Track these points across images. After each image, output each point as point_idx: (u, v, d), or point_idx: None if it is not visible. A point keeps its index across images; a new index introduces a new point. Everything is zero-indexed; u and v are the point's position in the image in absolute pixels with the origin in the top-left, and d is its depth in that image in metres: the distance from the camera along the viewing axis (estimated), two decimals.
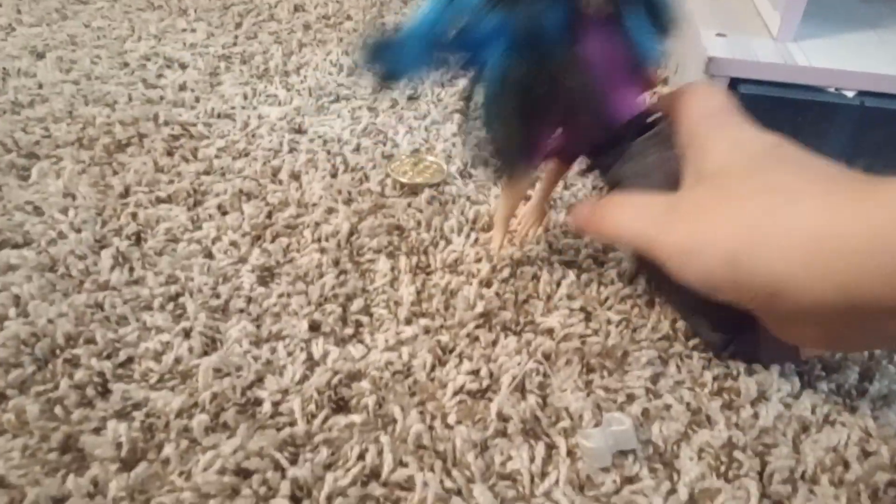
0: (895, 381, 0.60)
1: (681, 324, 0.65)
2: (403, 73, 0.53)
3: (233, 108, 0.97)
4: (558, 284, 0.69)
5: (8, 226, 0.73)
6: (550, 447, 0.54)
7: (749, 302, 0.48)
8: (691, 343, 0.63)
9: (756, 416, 0.57)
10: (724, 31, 0.88)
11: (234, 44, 1.14)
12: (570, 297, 0.68)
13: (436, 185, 0.82)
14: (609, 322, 0.65)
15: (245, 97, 1.00)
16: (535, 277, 0.70)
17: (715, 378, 0.60)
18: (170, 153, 0.88)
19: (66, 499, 0.47)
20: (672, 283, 0.53)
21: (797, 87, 0.82)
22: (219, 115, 0.96)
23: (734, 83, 0.83)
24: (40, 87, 1.01)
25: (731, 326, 0.58)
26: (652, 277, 0.65)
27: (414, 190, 0.81)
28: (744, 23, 0.92)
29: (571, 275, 0.70)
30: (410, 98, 0.99)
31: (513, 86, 0.48)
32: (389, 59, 0.51)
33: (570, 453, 0.53)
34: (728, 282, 0.45)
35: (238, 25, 1.20)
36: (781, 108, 0.83)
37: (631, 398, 0.58)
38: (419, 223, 0.77)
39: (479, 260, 0.72)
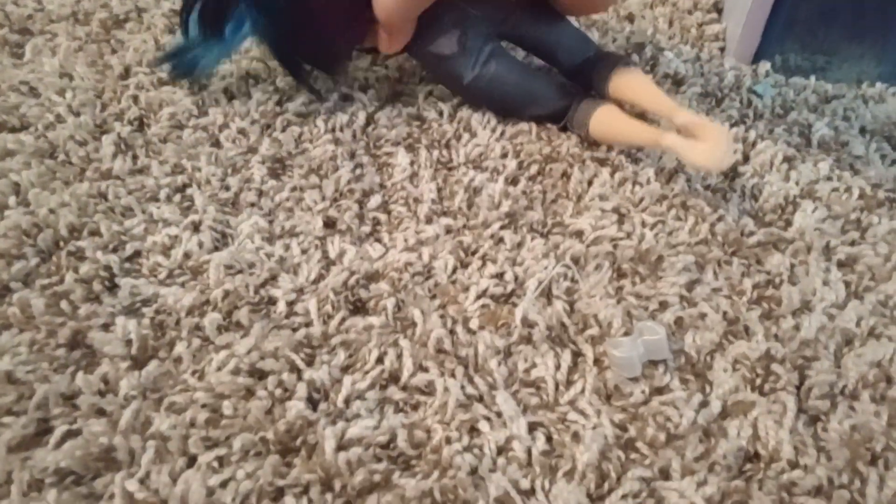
0: None
1: (720, 227, 0.60)
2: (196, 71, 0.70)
3: None
4: (590, 183, 0.65)
5: (3, 108, 0.68)
6: (577, 355, 0.51)
7: None
8: (730, 248, 0.59)
9: (797, 327, 0.53)
10: None
11: None
12: (602, 197, 0.63)
13: None
14: (643, 224, 0.61)
15: None
16: (566, 176, 0.65)
17: (755, 286, 0.56)
18: (171, 30, 0.81)
19: (75, 396, 0.46)
20: (502, 91, 0.67)
21: None
22: None
23: None
24: None
25: (559, 106, 0.67)
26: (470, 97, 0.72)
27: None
28: None
29: (604, 173, 0.65)
30: None
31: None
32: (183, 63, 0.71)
33: (597, 362, 0.51)
34: None
35: None
36: None
37: (664, 306, 0.55)
38: (441, 113, 0.71)
39: (504, 155, 0.66)
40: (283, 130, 0.68)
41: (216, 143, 0.66)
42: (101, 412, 0.45)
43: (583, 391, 0.49)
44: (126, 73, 0.74)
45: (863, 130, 0.72)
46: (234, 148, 0.66)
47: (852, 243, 0.60)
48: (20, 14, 0.81)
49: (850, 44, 0.79)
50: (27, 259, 0.54)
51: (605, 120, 0.64)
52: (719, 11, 0.86)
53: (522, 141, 0.68)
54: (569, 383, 0.50)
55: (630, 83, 0.65)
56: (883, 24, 0.77)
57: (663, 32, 0.82)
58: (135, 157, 0.64)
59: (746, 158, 0.67)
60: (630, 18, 0.84)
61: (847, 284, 0.57)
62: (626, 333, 0.52)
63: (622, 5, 0.85)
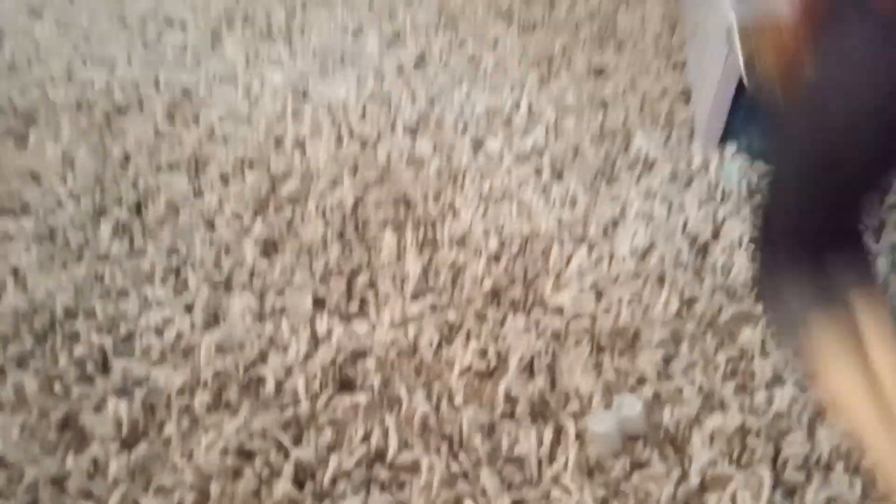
0: None
1: (699, 307, 0.63)
2: None
3: (235, 71, 0.94)
4: (568, 261, 0.67)
5: (5, 193, 0.71)
6: (559, 430, 0.53)
7: None
8: (704, 324, 0.62)
9: (770, 400, 0.55)
10: None
11: (237, 2, 1.10)
12: (580, 273, 0.66)
13: None
14: (620, 300, 0.63)
15: (247, 60, 0.96)
16: (545, 253, 0.68)
17: (728, 360, 0.58)
18: (170, 118, 0.85)
19: (65, 478, 0.46)
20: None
21: None
22: (220, 79, 0.93)
23: None
24: (38, 47, 0.98)
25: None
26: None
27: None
28: None
29: (582, 250, 0.68)
30: (417, 64, 0.96)
31: None
32: None
33: (578, 437, 0.52)
34: None
35: None
36: None
37: (642, 380, 0.57)
38: (426, 195, 0.74)
39: (487, 234, 0.70)
40: (276, 212, 0.71)
41: (211, 226, 0.69)
42: (89, 495, 0.46)
43: (565, 467, 0.50)
44: (126, 159, 0.77)
45: None
46: (228, 230, 0.68)
47: None
48: (26, 103, 0.86)
49: None
50: (23, 341, 0.56)
51: (835, 369, 0.44)
52: (687, 98, 0.91)
53: (504, 221, 0.71)
54: (551, 459, 0.51)
55: (879, 331, 0.44)
56: None
57: (635, 118, 0.87)
58: (131, 240, 0.67)
59: (717, 237, 0.71)
60: (604, 105, 0.89)
61: None
62: (608, 407, 0.54)
63: (596, 93, 0.91)
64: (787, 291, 0.46)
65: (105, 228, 0.67)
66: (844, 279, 0.46)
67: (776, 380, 0.57)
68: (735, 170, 0.79)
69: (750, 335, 0.60)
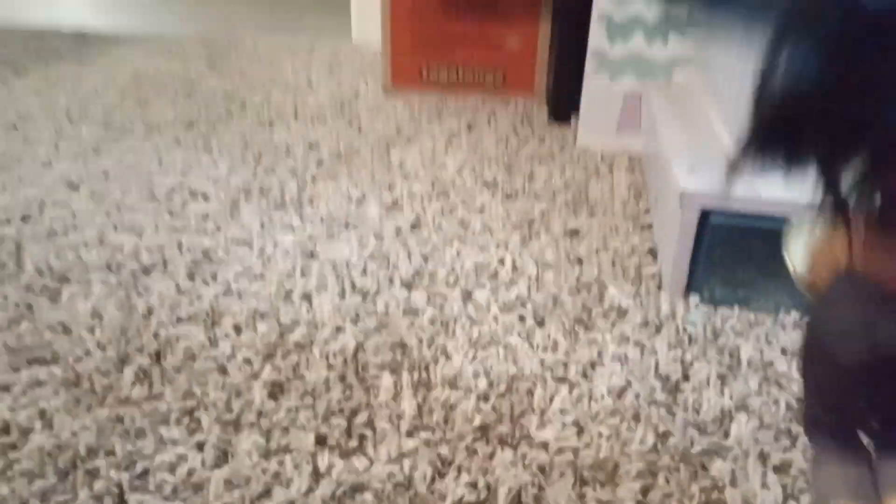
0: None
1: (673, 441, 0.68)
2: None
3: (251, 235, 1.06)
4: (551, 399, 0.74)
5: (38, 344, 0.79)
6: None
7: None
8: (677, 456, 0.67)
9: None
10: (695, 165, 0.97)
11: (254, 177, 1.25)
12: (562, 411, 0.72)
13: None
14: (600, 435, 0.69)
15: (262, 225, 1.09)
16: (530, 392, 0.75)
17: (702, 490, 0.63)
18: (191, 277, 0.95)
19: None
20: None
21: (764, 218, 0.90)
22: (237, 242, 1.04)
23: (705, 214, 0.91)
24: (74, 216, 1.10)
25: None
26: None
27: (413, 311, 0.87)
28: (715, 155, 1.01)
29: (564, 390, 0.75)
30: (413, 227, 1.08)
31: None
32: None
33: None
34: None
35: (257, 161, 1.32)
36: (750, 237, 0.91)
37: None
38: (421, 341, 0.82)
39: (476, 375, 0.76)
40: (284, 358, 0.78)
41: (223, 371, 0.76)
42: None
43: None
44: (149, 313, 0.85)
45: (784, 351, 0.83)
46: (239, 374, 0.75)
47: (785, 450, 0.68)
48: (61, 265, 0.95)
49: (765, 280, 0.94)
50: (46, 478, 0.60)
51: None
52: (654, 255, 1.02)
53: (492, 363, 0.78)
54: None
55: None
56: None
57: (608, 272, 0.98)
58: (151, 385, 0.73)
59: (686, 377, 0.78)
60: (579, 261, 1.00)
61: (784, 487, 0.63)
62: None
63: (572, 251, 1.02)
64: (821, 471, 0.49)
65: (128, 374, 0.74)
66: (885, 481, 0.47)
67: None
68: (699, 317, 0.88)
69: (720, 466, 0.65)
